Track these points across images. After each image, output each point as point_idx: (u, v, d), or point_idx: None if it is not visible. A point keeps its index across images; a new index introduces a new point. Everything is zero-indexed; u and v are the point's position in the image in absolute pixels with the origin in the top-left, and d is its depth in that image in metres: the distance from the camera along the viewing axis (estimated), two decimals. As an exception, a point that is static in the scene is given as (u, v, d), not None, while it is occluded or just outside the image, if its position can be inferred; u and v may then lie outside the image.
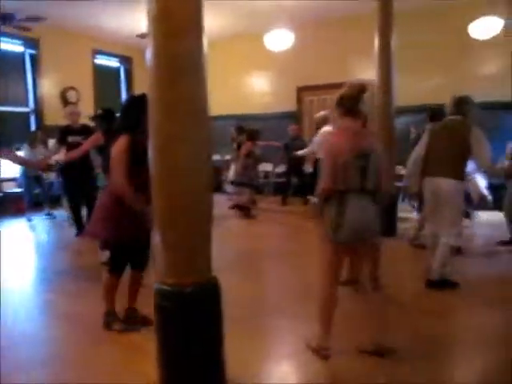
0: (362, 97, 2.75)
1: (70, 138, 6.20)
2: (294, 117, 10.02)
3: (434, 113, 5.16)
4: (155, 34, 2.18)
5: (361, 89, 2.77)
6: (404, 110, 7.23)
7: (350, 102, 2.76)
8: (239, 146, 8.71)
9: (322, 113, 6.90)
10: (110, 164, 3.18)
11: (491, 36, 7.03)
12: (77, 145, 5.72)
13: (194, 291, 2.29)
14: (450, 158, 4.02)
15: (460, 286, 4.14)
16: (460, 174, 4.05)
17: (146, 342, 2.96)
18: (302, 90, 10.00)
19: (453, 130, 4.10)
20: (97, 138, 5.36)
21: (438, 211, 4.15)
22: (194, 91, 2.15)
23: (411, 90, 8.13)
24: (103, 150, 5.36)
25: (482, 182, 6.70)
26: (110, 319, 3.37)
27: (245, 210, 7.83)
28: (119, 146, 3.16)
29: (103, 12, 8.48)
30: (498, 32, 6.95)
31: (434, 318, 3.57)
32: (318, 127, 6.75)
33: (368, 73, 7.26)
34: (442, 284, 4.11)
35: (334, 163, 2.70)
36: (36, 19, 7.65)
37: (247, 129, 8.56)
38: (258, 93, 10.61)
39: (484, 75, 8.28)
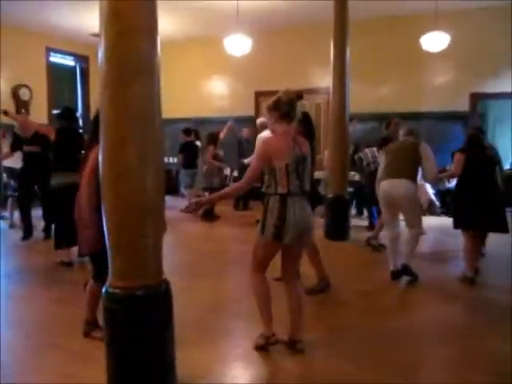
0: (296, 102, 2.87)
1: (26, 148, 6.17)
2: (252, 121, 10.07)
3: (385, 140, 5.53)
4: (106, 34, 2.16)
5: (297, 95, 2.89)
6: (358, 117, 7.43)
7: (286, 106, 2.85)
8: (184, 148, 8.72)
9: (262, 119, 6.95)
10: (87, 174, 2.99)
11: (441, 49, 7.33)
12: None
13: (144, 294, 2.27)
14: (403, 165, 4.45)
15: (419, 280, 4.47)
16: (412, 177, 4.46)
17: (93, 349, 2.92)
18: (259, 95, 10.07)
19: (405, 147, 4.62)
20: (48, 130, 5.32)
21: (397, 213, 4.57)
22: (146, 92, 2.15)
23: (365, 97, 8.36)
24: (54, 148, 5.29)
25: (429, 189, 6.97)
26: (90, 328, 3.23)
27: (207, 215, 7.79)
28: (92, 164, 2.89)
29: (58, 10, 8.27)
30: (446, 46, 7.25)
31: (380, 316, 3.69)
32: (259, 133, 6.80)
33: (324, 80, 7.44)
34: (406, 271, 4.45)
35: (264, 166, 2.83)
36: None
37: (210, 133, 8.49)
38: (217, 96, 10.61)
39: (435, 86, 8.62)
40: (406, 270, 4.45)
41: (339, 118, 6.21)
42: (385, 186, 4.54)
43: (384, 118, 6.32)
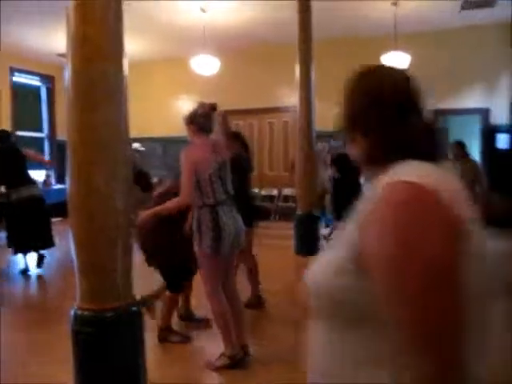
0: (212, 115, 2.98)
1: None
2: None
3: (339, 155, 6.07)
4: (73, 58, 2.19)
5: (211, 107, 2.98)
6: (324, 135, 7.59)
7: (202, 119, 2.95)
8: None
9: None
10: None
11: (402, 68, 7.59)
12: None
13: (114, 316, 2.27)
14: None
15: None
16: None
17: (60, 373, 2.87)
18: (228, 114, 10.17)
19: None
20: None
21: None
22: (113, 116, 2.18)
23: (330, 116, 8.54)
24: None
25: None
26: (166, 334, 3.47)
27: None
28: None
29: (23, 29, 8.20)
30: (407, 65, 7.54)
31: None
32: None
33: (291, 98, 7.60)
34: None
35: (194, 178, 2.86)
36: None
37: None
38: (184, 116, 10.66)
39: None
40: None
41: (306, 135, 6.34)
42: None
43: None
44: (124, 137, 2.28)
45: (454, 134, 9.98)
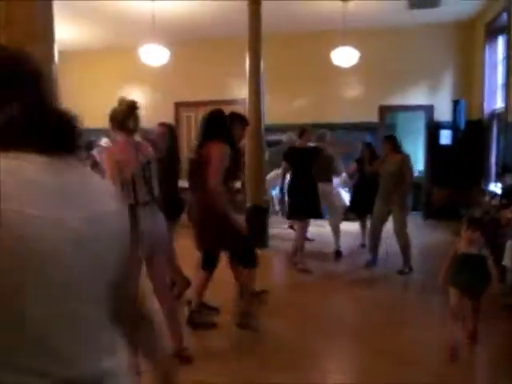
0: (133, 112, 2.84)
1: None
2: (173, 132, 10.02)
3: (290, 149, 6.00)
4: (1, 41, 2.09)
5: (131, 105, 2.85)
6: (273, 129, 7.64)
7: (121, 116, 2.83)
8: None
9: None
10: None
11: (351, 64, 7.74)
12: None
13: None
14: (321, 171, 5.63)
15: None
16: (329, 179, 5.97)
17: None
18: (179, 106, 10.05)
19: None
20: None
21: None
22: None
23: (280, 109, 8.61)
24: None
25: (345, 195, 7.30)
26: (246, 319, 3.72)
27: None
28: (221, 152, 3.35)
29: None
30: (356, 61, 7.68)
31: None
32: None
33: (241, 91, 7.59)
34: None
35: (118, 176, 2.72)
36: None
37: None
38: (136, 106, 10.45)
39: (347, 98, 9.09)
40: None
41: (255, 129, 6.34)
42: None
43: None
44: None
45: (402, 130, 10.32)
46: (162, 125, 4.57)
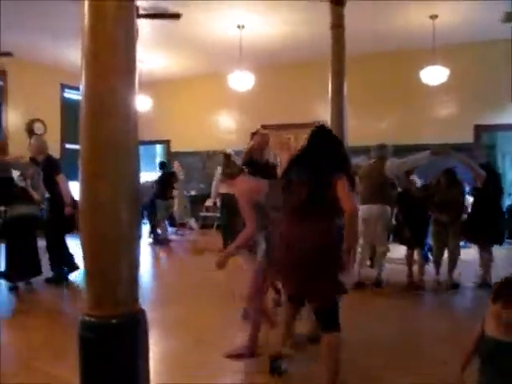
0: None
1: None
2: (259, 154, 10.24)
3: None
4: (85, 74, 2.29)
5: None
6: (358, 150, 7.51)
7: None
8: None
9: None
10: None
11: (440, 82, 7.43)
12: None
13: (118, 323, 2.33)
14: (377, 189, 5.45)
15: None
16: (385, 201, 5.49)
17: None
18: (266, 129, 10.23)
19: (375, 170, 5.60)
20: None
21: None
22: (119, 130, 2.26)
23: (365, 131, 8.44)
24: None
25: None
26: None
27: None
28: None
29: (72, 46, 8.64)
30: (446, 79, 7.35)
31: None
32: None
33: (326, 113, 7.57)
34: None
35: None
36: (2, 54, 7.77)
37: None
38: (224, 130, 10.83)
39: (436, 118, 8.69)
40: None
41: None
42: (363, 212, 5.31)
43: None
44: (132, 149, 2.35)
45: (501, 151, 9.61)
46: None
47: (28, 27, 7.50)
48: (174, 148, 11.57)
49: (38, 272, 5.58)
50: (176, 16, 6.63)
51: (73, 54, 8.97)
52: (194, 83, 10.79)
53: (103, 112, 2.25)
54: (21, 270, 5.37)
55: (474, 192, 5.57)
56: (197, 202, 10.51)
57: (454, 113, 8.61)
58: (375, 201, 5.39)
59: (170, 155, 11.59)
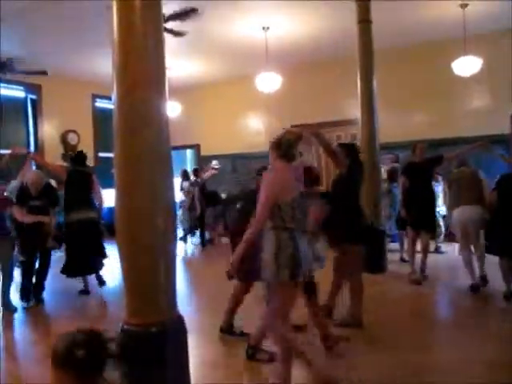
0: (297, 143, 2.93)
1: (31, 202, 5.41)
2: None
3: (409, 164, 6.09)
4: (117, 86, 2.33)
5: (297, 137, 2.93)
6: (389, 146, 7.38)
7: (285, 147, 2.89)
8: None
9: None
10: None
11: (473, 73, 7.22)
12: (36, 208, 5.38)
13: (158, 331, 2.35)
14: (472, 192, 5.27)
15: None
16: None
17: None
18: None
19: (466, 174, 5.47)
20: (58, 168, 6.20)
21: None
22: (151, 138, 2.28)
23: (395, 127, 8.27)
24: (67, 188, 5.72)
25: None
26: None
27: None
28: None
29: (102, 58, 8.83)
30: (478, 70, 7.14)
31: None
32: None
33: (353, 111, 7.48)
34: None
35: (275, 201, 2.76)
36: (37, 73, 8.02)
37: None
38: (253, 132, 10.83)
39: (470, 110, 8.44)
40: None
41: (369, 148, 6.20)
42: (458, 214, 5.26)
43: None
44: (165, 158, 2.37)
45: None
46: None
47: (59, 43, 7.69)
48: (204, 152, 11.65)
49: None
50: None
51: (104, 64, 9.14)
52: (221, 86, 10.84)
53: (136, 122, 2.28)
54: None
55: None
56: (228, 204, 10.52)
57: (489, 104, 8.34)
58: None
59: (200, 159, 11.67)
